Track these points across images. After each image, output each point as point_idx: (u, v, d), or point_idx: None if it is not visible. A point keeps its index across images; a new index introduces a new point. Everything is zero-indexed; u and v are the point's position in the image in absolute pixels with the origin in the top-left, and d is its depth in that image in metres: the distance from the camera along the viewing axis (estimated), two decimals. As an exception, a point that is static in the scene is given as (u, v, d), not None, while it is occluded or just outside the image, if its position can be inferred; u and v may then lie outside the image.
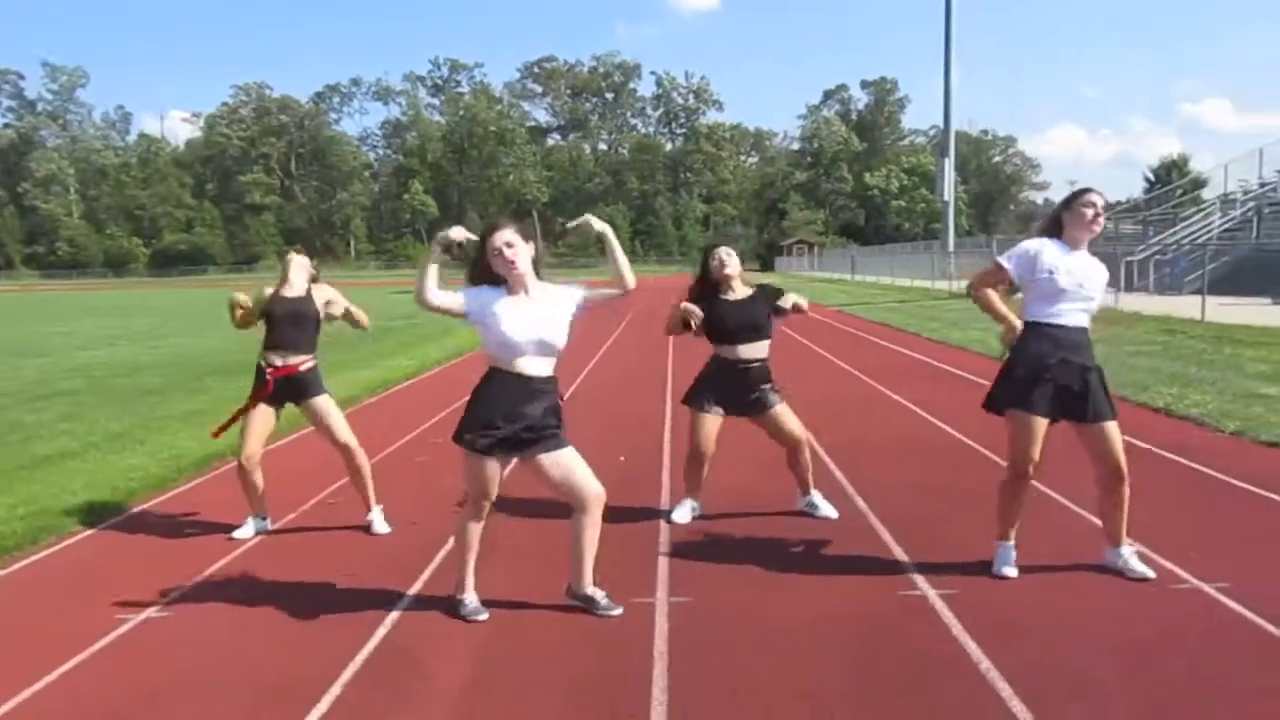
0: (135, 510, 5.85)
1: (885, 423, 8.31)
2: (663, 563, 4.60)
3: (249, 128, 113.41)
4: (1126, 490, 4.23)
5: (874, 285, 41.33)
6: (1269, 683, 3.19)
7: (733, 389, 5.14)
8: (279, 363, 5.15)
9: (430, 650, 3.63)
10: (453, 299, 3.82)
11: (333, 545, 5.05)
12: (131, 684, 3.42)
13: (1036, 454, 4.21)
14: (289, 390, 5.19)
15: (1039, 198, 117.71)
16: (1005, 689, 3.17)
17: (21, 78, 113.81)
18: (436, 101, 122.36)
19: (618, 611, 3.95)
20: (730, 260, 5.15)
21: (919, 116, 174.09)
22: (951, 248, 39.19)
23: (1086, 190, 4.27)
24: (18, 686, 3.40)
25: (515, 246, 3.77)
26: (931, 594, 4.07)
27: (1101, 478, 4.26)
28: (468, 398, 3.93)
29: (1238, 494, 5.58)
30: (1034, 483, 4.57)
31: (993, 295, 4.39)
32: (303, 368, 5.20)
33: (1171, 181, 59.02)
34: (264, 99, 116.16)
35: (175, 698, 3.31)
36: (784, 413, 5.20)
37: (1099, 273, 4.28)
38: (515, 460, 3.93)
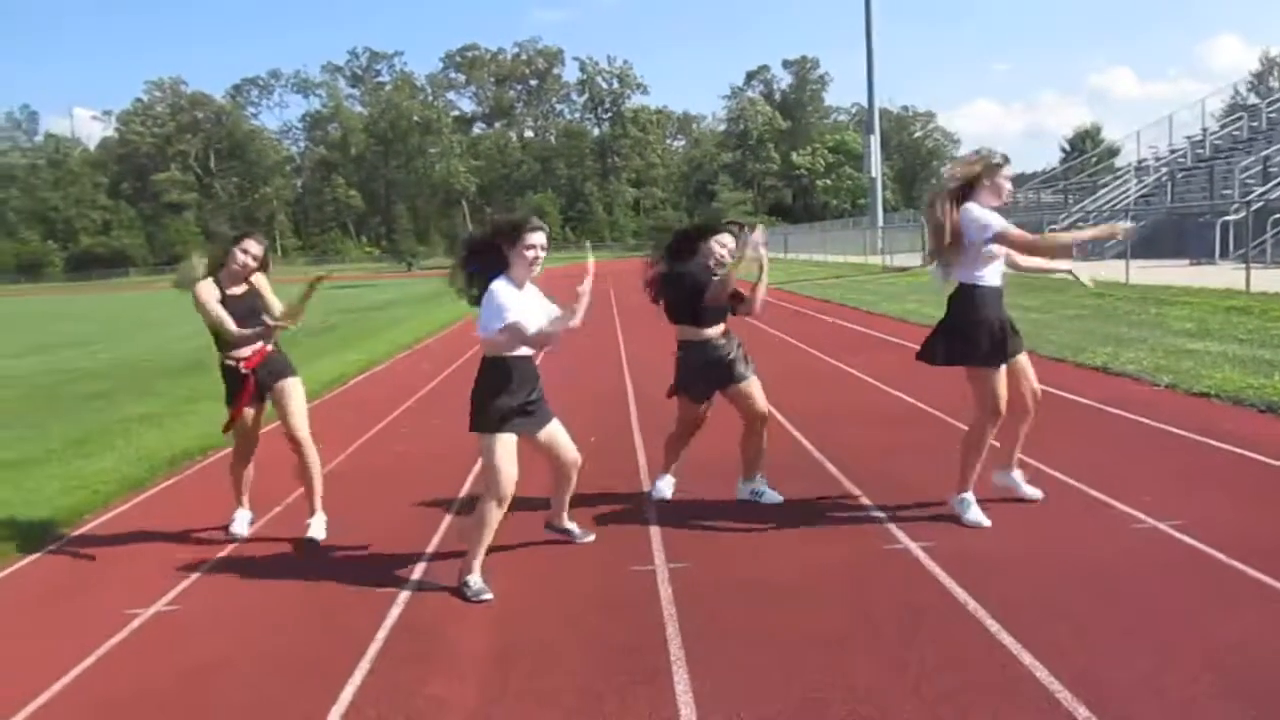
0: (117, 511, 5.85)
1: (842, 392, 8.62)
2: (655, 533, 4.79)
3: (164, 125, 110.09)
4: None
5: (808, 263, 41.96)
6: (1225, 602, 3.53)
7: (714, 366, 5.02)
8: (248, 353, 4.96)
9: (451, 623, 3.78)
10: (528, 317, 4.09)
11: (329, 532, 5.13)
12: (159, 670, 3.52)
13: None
14: (267, 374, 5.02)
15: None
16: (993, 624, 3.44)
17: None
18: (357, 92, 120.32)
19: (591, 538, 4.69)
20: (726, 253, 5.00)
21: (840, 94, 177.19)
22: (880, 223, 40.01)
23: (1001, 160, 4.58)
24: (43, 683, 3.45)
25: (544, 252, 4.16)
26: (912, 546, 4.34)
27: (1021, 406, 4.78)
28: (474, 391, 4.17)
29: (1179, 441, 5.98)
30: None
31: (1035, 238, 4.74)
32: (269, 347, 5.06)
33: (1086, 150, 60.92)
34: (179, 95, 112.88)
35: (207, 679, 3.42)
36: (756, 385, 5.11)
37: None
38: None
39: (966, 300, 4.61)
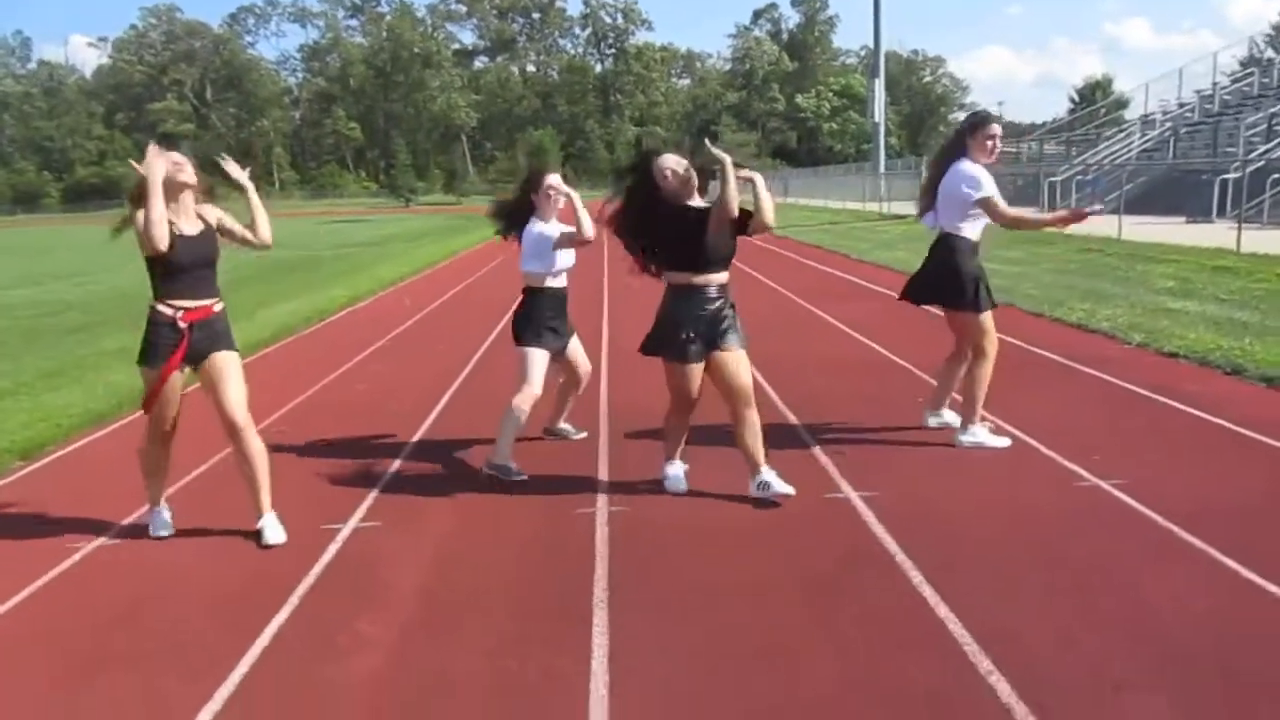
0: (76, 446, 5.88)
1: (815, 341, 8.60)
2: (603, 477, 4.82)
3: (159, 53, 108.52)
4: None
5: (806, 208, 41.68)
6: (1152, 561, 3.56)
7: (703, 322, 4.25)
8: (190, 305, 4.03)
9: (385, 562, 3.82)
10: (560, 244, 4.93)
11: (277, 472, 5.11)
12: (98, 603, 3.56)
13: None
14: (203, 339, 4.06)
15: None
16: (917, 576, 3.47)
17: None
18: (356, 23, 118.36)
19: (583, 435, 5.48)
20: (676, 169, 4.22)
21: (849, 36, 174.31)
22: (883, 169, 39.59)
23: (990, 118, 4.82)
24: (-21, 611, 3.50)
25: (561, 189, 4.93)
26: (853, 496, 4.37)
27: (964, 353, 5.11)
28: (519, 311, 5.04)
29: (1139, 401, 5.98)
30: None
31: (1025, 214, 5.09)
32: (216, 308, 4.13)
33: (1096, 102, 59.93)
34: (173, 22, 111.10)
35: (139, 613, 3.45)
36: (744, 359, 4.35)
37: None
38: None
39: (946, 247, 4.93)
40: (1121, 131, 34.59)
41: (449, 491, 4.68)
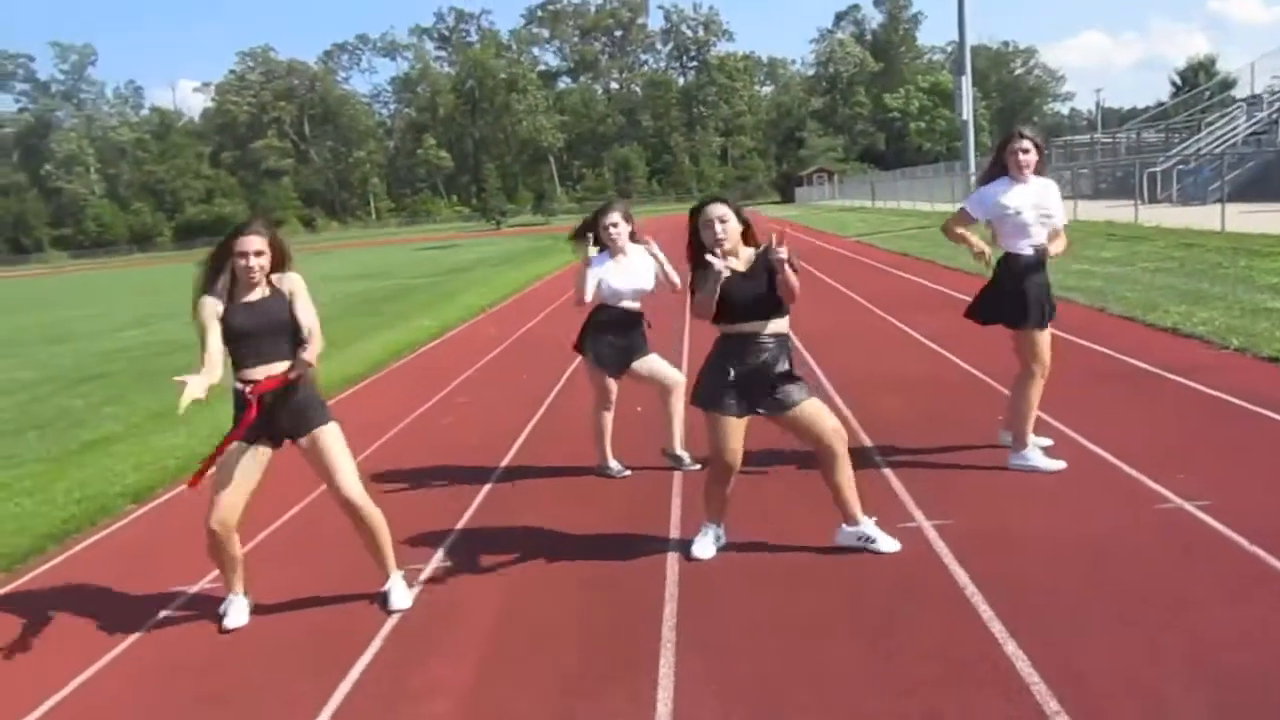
0: (181, 489, 6.21)
1: (893, 355, 8.51)
2: (675, 507, 4.89)
3: (258, 93, 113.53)
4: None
5: (894, 211, 41.02)
6: (1231, 591, 3.45)
7: (750, 377, 4.00)
8: (260, 375, 3.82)
9: (467, 601, 3.98)
10: (592, 284, 5.27)
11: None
12: (198, 644, 3.81)
13: None
14: (283, 412, 3.86)
15: (1064, 109, 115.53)
16: (986, 610, 3.44)
17: (32, 60, 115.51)
18: (444, 53, 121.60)
19: (698, 468, 5.33)
20: (725, 229, 3.97)
21: (935, 33, 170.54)
22: (973, 168, 38.58)
23: (1012, 135, 4.94)
24: (101, 650, 3.78)
25: (619, 226, 5.27)
26: (926, 524, 4.33)
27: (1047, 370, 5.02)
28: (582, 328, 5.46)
29: (1232, 411, 5.75)
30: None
31: (959, 230, 5.14)
32: (293, 375, 3.83)
33: (1199, 84, 57.21)
34: (270, 63, 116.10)
35: (230, 655, 3.67)
36: (815, 406, 4.06)
37: (1052, 191, 4.96)
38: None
39: (1006, 266, 4.99)
40: (1224, 116, 33.00)
41: (524, 529, 4.80)
